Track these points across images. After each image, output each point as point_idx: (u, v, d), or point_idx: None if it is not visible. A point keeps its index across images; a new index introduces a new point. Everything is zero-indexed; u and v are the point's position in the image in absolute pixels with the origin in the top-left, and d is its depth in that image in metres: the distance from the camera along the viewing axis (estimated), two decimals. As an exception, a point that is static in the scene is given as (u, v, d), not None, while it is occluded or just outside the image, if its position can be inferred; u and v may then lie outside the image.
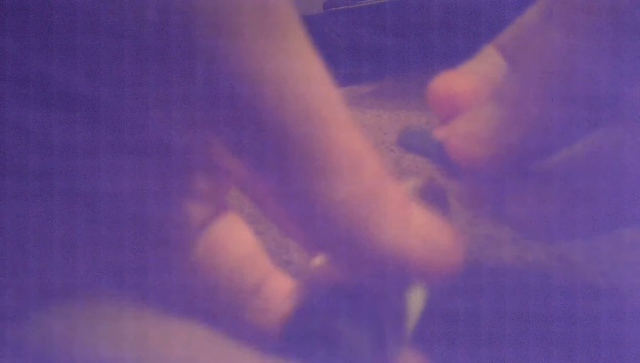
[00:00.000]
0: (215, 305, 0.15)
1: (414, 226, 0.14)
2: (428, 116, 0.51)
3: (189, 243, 0.15)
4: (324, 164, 0.13)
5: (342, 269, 0.15)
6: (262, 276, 0.16)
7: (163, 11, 0.11)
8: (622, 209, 0.17)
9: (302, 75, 0.12)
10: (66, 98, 0.13)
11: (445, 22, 0.58)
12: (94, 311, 0.13)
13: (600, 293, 0.20)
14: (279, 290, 0.16)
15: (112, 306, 0.13)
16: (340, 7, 0.63)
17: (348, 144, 0.13)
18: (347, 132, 0.13)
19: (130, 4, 0.11)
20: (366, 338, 0.14)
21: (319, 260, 0.16)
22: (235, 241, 0.16)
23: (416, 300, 0.16)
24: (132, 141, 0.14)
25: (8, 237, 0.13)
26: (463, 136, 0.17)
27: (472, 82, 0.20)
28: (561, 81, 0.15)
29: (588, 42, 0.15)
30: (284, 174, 0.13)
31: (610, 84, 0.15)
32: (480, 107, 0.17)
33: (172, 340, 0.13)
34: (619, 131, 0.16)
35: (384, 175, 0.14)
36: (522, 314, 0.19)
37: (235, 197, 0.17)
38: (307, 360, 0.13)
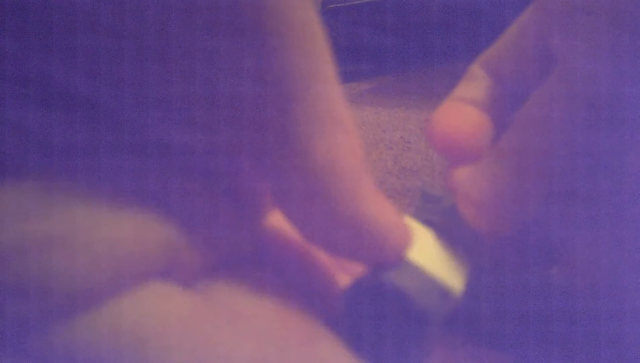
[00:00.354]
0: None
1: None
2: (427, 115, 0.51)
3: None
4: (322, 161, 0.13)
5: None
6: None
7: (163, 11, 0.11)
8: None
9: (309, 74, 0.12)
10: (66, 98, 0.13)
11: (445, 20, 0.58)
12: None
13: (600, 293, 0.20)
14: None
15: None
16: (339, 5, 0.63)
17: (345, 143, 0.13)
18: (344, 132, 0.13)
19: (130, 4, 0.11)
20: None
21: None
22: None
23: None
24: (132, 141, 0.14)
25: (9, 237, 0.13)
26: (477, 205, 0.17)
27: (467, 115, 0.19)
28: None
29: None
30: (283, 172, 0.13)
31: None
32: (486, 166, 0.17)
33: None
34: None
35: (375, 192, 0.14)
36: (522, 314, 0.19)
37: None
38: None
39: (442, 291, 0.15)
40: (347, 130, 0.13)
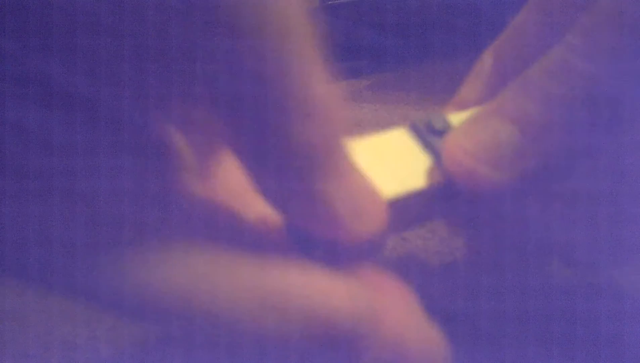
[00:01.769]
0: None
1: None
2: (426, 111, 0.51)
3: None
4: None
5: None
6: None
7: (163, 11, 0.11)
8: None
9: (302, 74, 0.12)
10: (66, 98, 0.13)
11: (445, 17, 0.58)
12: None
13: (600, 293, 0.20)
14: None
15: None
16: (338, 1, 0.63)
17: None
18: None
19: (130, 4, 0.11)
20: None
21: None
22: None
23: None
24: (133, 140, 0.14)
25: (8, 237, 0.13)
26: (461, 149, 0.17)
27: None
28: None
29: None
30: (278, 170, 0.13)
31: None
32: (484, 121, 0.17)
33: None
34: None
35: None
36: (522, 314, 0.19)
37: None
38: None
39: None
40: (326, 109, 0.13)
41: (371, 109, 0.52)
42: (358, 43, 0.60)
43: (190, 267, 0.13)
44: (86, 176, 0.14)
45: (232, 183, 0.17)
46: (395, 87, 0.57)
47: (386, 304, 0.15)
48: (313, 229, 0.14)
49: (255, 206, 0.16)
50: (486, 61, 0.21)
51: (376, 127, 0.47)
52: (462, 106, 0.20)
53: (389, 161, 0.17)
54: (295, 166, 0.13)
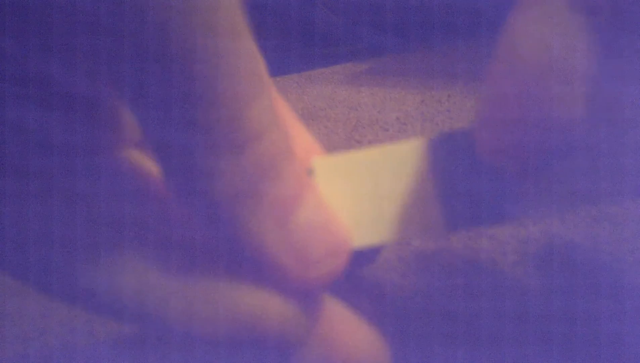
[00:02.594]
0: None
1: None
2: (424, 96, 0.51)
3: None
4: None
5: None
6: None
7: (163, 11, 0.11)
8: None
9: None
10: (66, 98, 0.13)
11: (444, 1, 0.58)
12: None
13: (600, 293, 0.20)
14: None
15: None
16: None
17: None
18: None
19: (130, 4, 0.11)
20: None
21: None
22: None
23: None
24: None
25: (8, 237, 0.13)
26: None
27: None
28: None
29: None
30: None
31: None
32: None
33: None
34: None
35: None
36: (522, 314, 0.19)
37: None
38: None
39: None
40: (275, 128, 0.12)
41: (368, 93, 0.52)
42: (356, 26, 0.60)
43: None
44: (86, 176, 0.14)
45: None
46: (393, 70, 0.57)
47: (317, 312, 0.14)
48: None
49: None
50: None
51: (373, 110, 0.47)
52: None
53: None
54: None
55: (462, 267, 0.23)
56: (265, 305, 0.13)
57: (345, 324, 0.15)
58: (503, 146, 0.14)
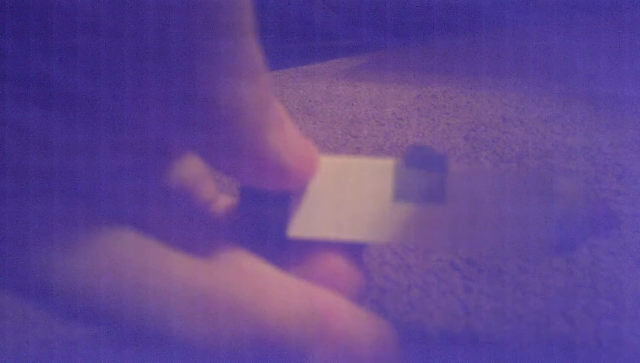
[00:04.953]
0: None
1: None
2: (420, 91, 0.51)
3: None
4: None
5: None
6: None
7: (163, 11, 0.11)
8: None
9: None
10: (66, 98, 0.13)
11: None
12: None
13: (600, 293, 0.20)
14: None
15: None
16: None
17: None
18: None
19: (130, 4, 0.11)
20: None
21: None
22: None
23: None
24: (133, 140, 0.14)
25: (8, 237, 0.13)
26: None
27: None
28: None
29: None
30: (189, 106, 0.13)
31: None
32: None
33: None
34: None
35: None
36: (522, 314, 0.19)
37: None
38: None
39: None
40: (253, 69, 0.13)
41: (365, 88, 0.52)
42: (354, 23, 0.60)
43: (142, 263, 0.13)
44: (86, 176, 0.13)
45: (186, 169, 0.17)
46: (389, 66, 0.58)
47: (334, 303, 0.15)
48: (256, 179, 0.15)
49: (207, 190, 0.17)
50: None
51: (369, 106, 0.47)
52: None
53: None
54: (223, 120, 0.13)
55: (462, 267, 0.23)
56: (265, 305, 0.14)
57: (353, 320, 0.15)
58: None
